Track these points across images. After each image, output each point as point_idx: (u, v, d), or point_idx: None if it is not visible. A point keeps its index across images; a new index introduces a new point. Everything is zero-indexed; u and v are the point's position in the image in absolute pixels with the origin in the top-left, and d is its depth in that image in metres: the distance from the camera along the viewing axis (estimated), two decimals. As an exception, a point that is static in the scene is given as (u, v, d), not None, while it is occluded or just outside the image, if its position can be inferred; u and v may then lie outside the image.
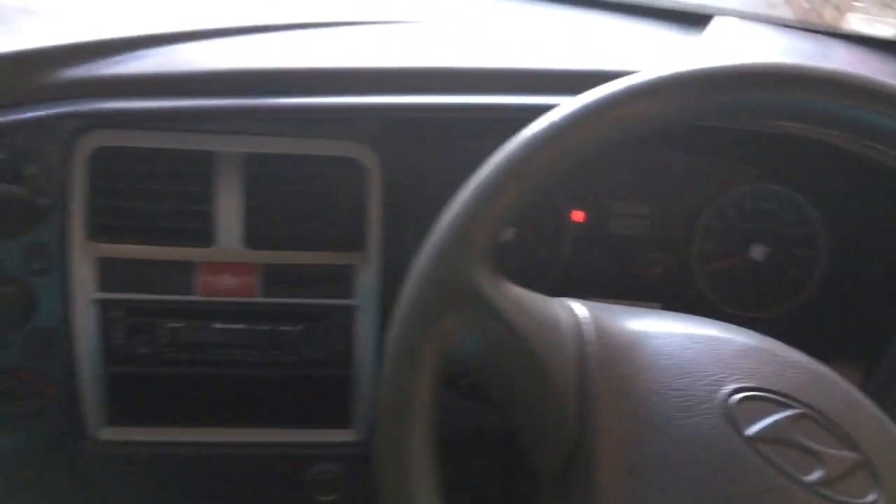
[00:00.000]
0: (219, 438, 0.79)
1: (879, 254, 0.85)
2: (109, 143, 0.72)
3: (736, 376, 0.48)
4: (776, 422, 0.47)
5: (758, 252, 0.88)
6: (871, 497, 0.46)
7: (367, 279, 0.77)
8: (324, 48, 0.79)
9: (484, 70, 0.77)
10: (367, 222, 0.77)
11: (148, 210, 0.74)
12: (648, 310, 0.55)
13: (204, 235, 0.75)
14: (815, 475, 0.46)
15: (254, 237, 0.75)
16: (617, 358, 0.49)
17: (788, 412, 0.48)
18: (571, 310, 0.51)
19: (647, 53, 0.87)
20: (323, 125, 0.75)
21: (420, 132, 0.76)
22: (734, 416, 0.47)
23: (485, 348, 0.48)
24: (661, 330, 0.52)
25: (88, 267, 0.73)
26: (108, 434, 0.78)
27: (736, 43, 0.88)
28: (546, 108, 0.53)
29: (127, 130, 0.73)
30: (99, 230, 0.74)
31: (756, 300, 0.90)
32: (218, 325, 0.77)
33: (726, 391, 0.48)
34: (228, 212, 0.75)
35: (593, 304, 0.53)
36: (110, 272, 0.74)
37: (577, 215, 0.87)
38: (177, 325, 0.76)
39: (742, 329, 0.53)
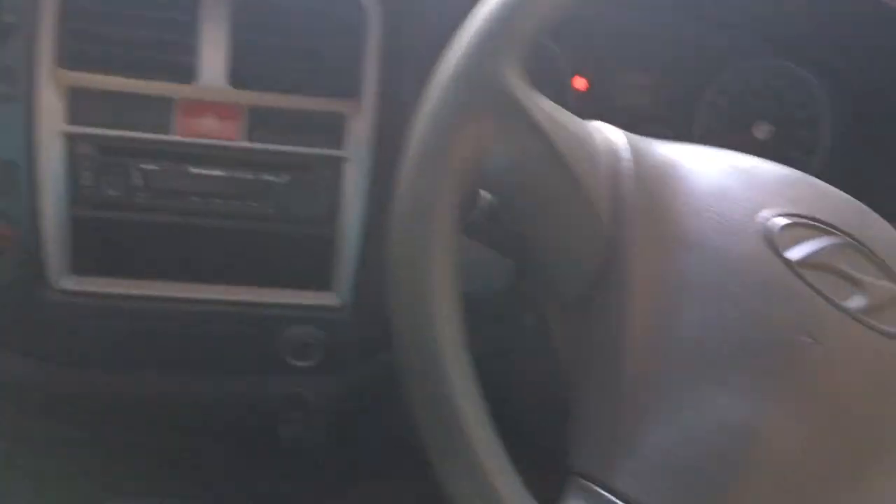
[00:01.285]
0: (189, 294, 0.75)
1: (883, 145, 0.84)
2: None
3: (777, 202, 0.46)
4: (818, 248, 0.45)
5: (761, 131, 0.85)
6: None
7: (360, 130, 0.72)
8: None
9: None
10: (362, 68, 0.71)
11: (125, 38, 0.68)
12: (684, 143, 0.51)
13: (185, 70, 0.69)
14: (856, 302, 0.44)
15: (240, 76, 0.70)
16: (652, 178, 0.46)
17: (831, 240, 0.45)
18: (604, 132, 0.48)
19: None
20: None
21: None
22: (774, 241, 0.44)
23: (517, 161, 0.44)
24: (698, 156, 0.48)
25: (56, 96, 0.67)
26: (72, 283, 0.73)
27: None
28: None
29: None
30: (70, 56, 0.67)
31: None
32: (195, 170, 0.71)
33: (767, 215, 0.45)
34: (213, 45, 0.69)
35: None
36: (81, 103, 0.68)
37: (580, 82, 0.82)
38: (151, 167, 0.71)
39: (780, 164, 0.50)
